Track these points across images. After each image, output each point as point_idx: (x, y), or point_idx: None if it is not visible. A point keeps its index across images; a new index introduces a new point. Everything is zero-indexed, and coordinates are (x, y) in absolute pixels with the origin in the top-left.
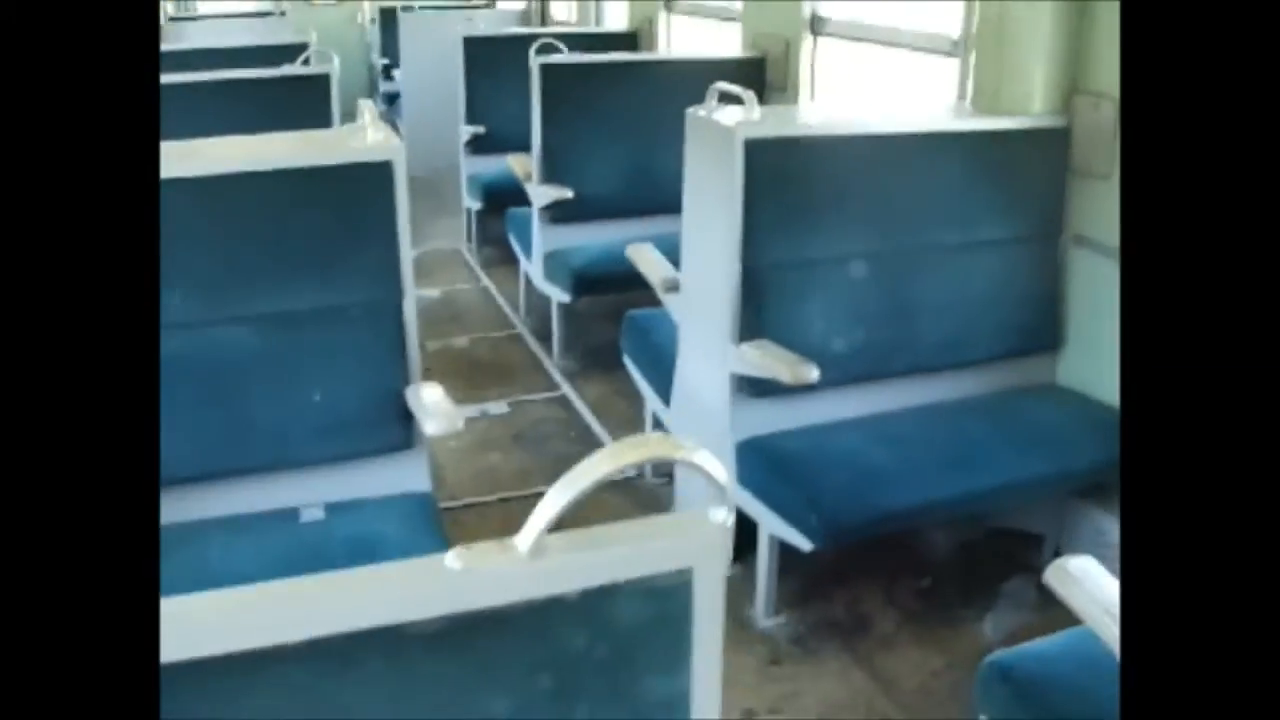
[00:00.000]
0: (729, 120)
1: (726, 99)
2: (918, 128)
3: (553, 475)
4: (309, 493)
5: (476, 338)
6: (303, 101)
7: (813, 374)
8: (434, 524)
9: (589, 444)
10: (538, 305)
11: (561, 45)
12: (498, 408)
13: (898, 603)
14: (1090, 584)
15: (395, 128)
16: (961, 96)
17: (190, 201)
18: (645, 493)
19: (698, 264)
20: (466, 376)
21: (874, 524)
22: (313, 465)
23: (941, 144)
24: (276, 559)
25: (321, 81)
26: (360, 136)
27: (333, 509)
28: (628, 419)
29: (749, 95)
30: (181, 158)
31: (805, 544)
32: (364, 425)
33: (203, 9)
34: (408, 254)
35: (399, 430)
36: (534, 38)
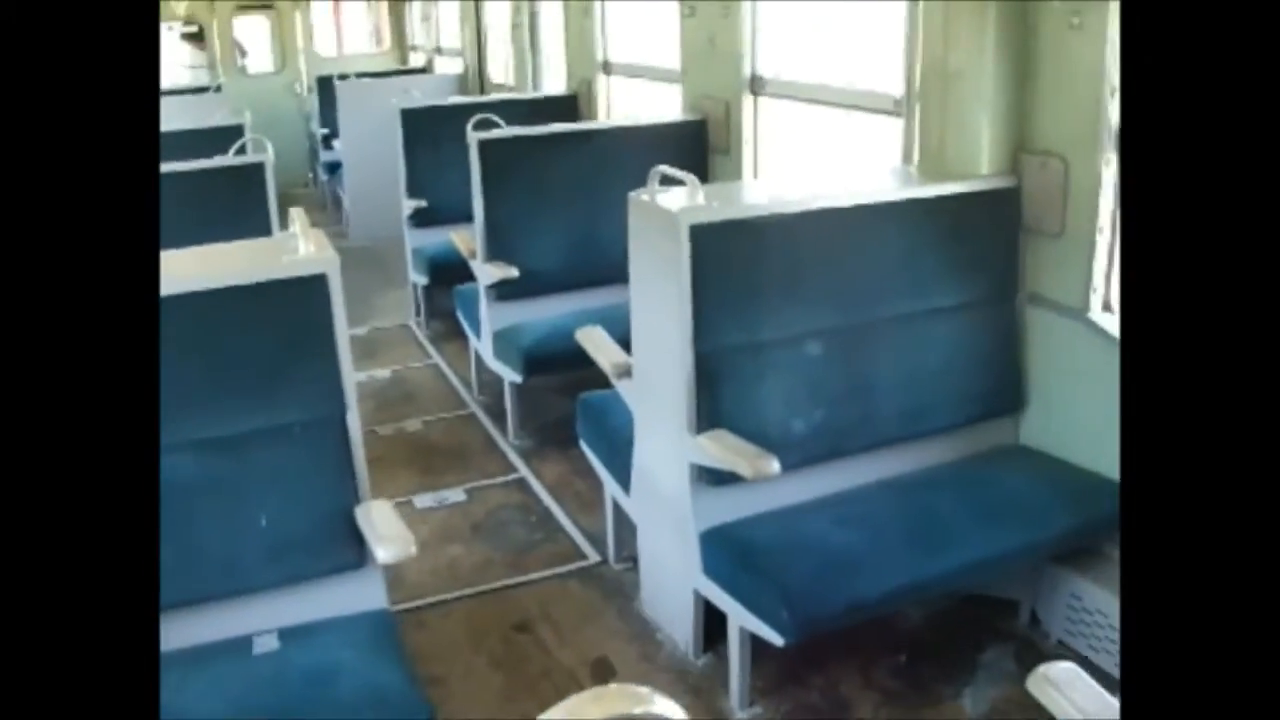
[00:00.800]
0: (673, 206)
1: (668, 180)
2: (865, 199)
3: (514, 566)
4: (262, 619)
5: (429, 420)
6: (238, 192)
7: (773, 467)
8: (392, 645)
9: (549, 529)
10: (490, 382)
11: (499, 119)
12: (455, 495)
13: (876, 683)
14: (1072, 691)
15: (338, 198)
16: (907, 158)
17: None
18: (611, 579)
19: (649, 350)
20: (421, 463)
21: (845, 614)
22: (264, 590)
23: (890, 213)
24: (232, 699)
25: (256, 171)
26: (293, 247)
27: (287, 635)
28: (588, 501)
29: (691, 178)
30: None
31: (776, 639)
32: (314, 547)
33: None
34: (349, 368)
35: (350, 549)
36: (472, 109)
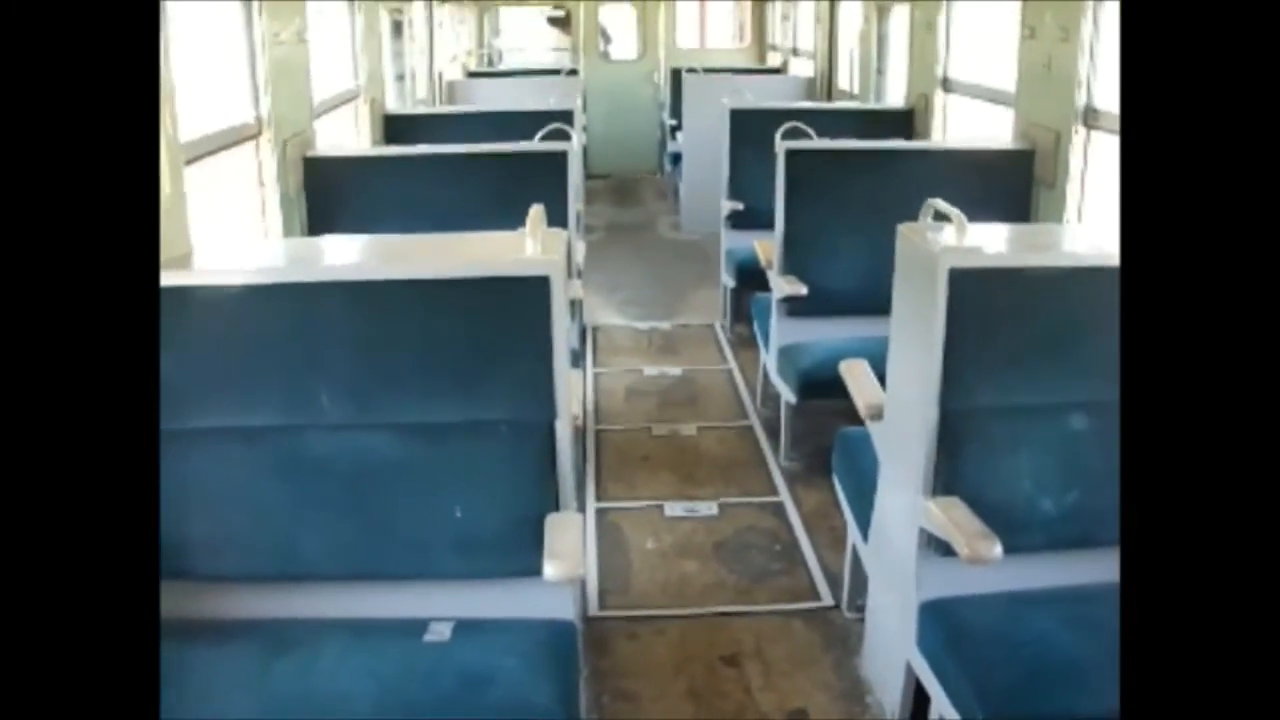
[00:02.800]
0: (934, 245)
1: (941, 215)
2: None
3: (744, 594)
4: (442, 605)
5: (706, 426)
6: (542, 177)
7: (993, 552)
8: (562, 659)
9: (791, 560)
10: (775, 396)
11: (809, 129)
12: (708, 508)
13: None
14: None
15: (677, 189)
16: None
17: (341, 305)
18: (839, 627)
19: (898, 397)
20: (685, 469)
21: None
22: (449, 579)
23: None
24: (385, 684)
25: (560, 159)
26: (521, 246)
27: (462, 627)
28: (840, 538)
29: (958, 215)
30: (335, 258)
31: None
32: (503, 546)
33: (509, 59)
34: (563, 373)
35: (538, 556)
36: (795, 115)
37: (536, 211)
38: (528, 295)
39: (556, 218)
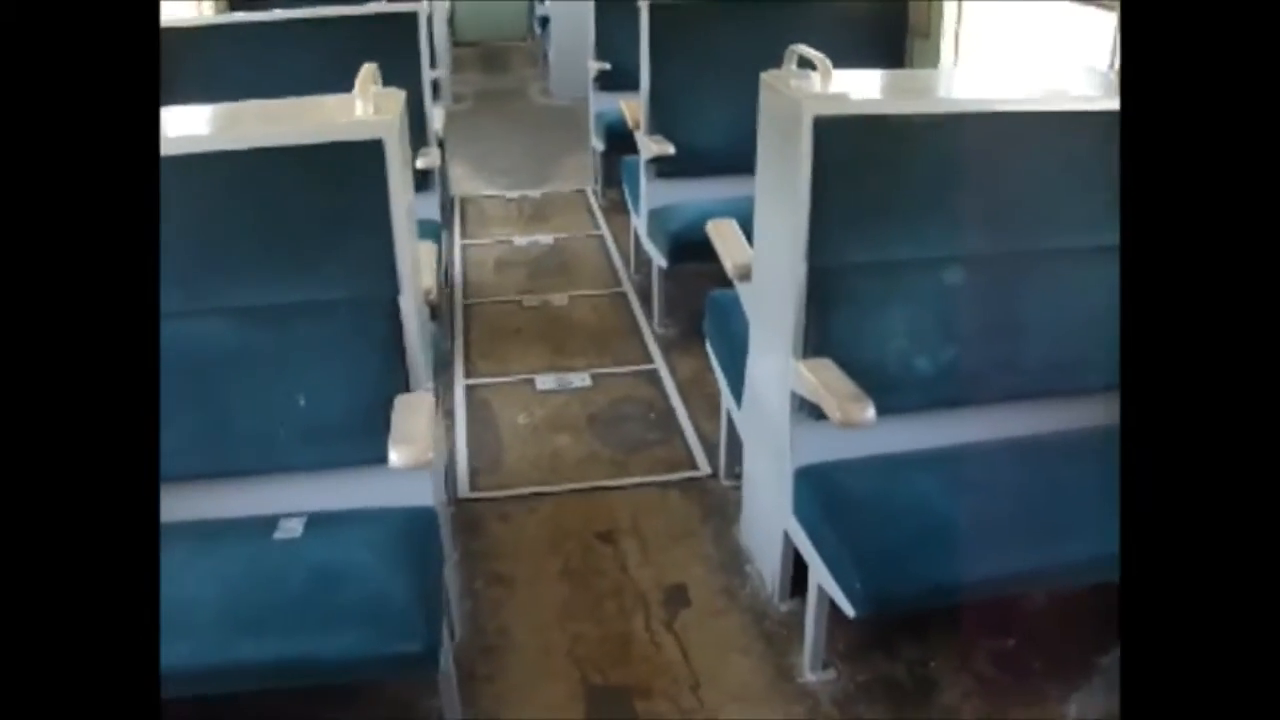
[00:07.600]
0: (797, 93)
1: (806, 63)
2: (1038, 105)
3: (619, 466)
4: (293, 500)
5: (578, 295)
6: (390, 43)
7: (866, 415)
8: (422, 548)
9: (667, 430)
10: (648, 261)
11: None
12: (580, 379)
13: (972, 666)
14: None
15: (546, 55)
16: (1112, 63)
17: (163, 183)
18: (716, 496)
19: (765, 256)
20: (556, 340)
21: (928, 596)
22: (298, 471)
23: (1069, 125)
24: (231, 587)
25: (408, 20)
26: (350, 110)
27: (315, 521)
28: (716, 405)
29: (823, 61)
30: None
31: (848, 607)
32: (352, 433)
33: None
34: (406, 245)
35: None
36: None
37: (367, 70)
38: (360, 161)
39: (410, 84)
